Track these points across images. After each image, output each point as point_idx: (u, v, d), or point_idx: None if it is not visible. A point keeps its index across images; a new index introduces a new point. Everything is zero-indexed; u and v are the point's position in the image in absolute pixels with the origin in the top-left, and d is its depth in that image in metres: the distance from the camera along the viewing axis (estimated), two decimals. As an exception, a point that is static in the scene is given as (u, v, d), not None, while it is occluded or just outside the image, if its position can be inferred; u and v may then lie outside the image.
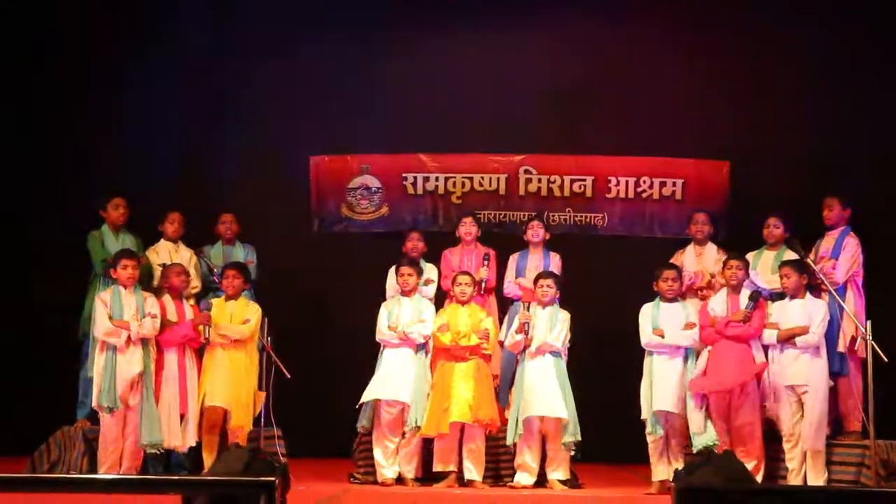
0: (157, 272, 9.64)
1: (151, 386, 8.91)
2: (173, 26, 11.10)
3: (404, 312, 9.41)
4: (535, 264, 10.01)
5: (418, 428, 9.11)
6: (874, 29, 10.81)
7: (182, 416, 9.03)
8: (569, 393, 9.05)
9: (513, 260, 10.16)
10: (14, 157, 11.00)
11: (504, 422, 9.28)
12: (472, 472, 9.08)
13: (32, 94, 11.05)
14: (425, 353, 9.37)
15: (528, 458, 9.07)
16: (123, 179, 10.43)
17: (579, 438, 9.00)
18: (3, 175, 10.94)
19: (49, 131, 11.02)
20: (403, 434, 9.21)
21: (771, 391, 8.87)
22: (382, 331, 9.38)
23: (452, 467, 9.14)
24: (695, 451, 8.86)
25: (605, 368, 10.09)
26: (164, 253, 9.87)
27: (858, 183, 10.26)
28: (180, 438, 8.99)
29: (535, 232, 10.10)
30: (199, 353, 9.27)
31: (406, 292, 9.50)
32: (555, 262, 10.01)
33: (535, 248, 10.12)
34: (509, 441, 9.07)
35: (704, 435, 8.86)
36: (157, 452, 8.92)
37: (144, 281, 9.40)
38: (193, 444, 9.06)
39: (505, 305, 10.10)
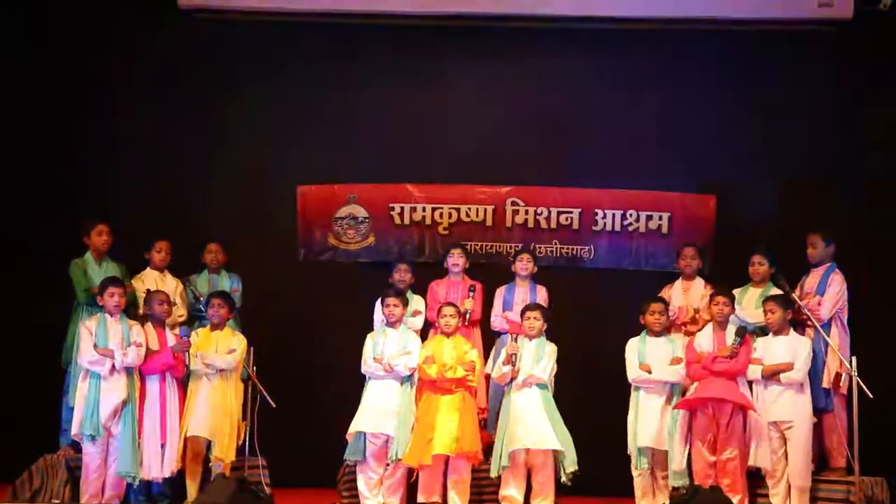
0: (143, 300, 9.62)
1: (135, 415, 8.88)
2: (160, 52, 11.08)
3: (390, 344, 9.39)
4: (522, 297, 10.02)
5: (400, 460, 9.08)
6: (862, 64, 10.88)
7: (162, 446, 8.98)
8: (560, 423, 9.03)
9: (499, 293, 10.18)
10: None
11: (486, 443, 9.26)
12: (457, 502, 9.04)
13: (17, 120, 11.00)
14: (410, 385, 9.35)
15: (513, 491, 9.04)
16: (109, 207, 10.38)
17: (576, 468, 9.00)
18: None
19: (35, 158, 10.95)
20: (387, 465, 9.17)
21: (755, 432, 8.88)
22: (368, 362, 9.35)
23: (436, 499, 9.10)
24: (671, 485, 8.89)
25: (590, 401, 10.06)
26: (151, 281, 9.83)
27: (845, 218, 10.32)
28: (159, 468, 8.94)
29: (524, 265, 10.12)
30: (182, 383, 9.23)
31: (392, 323, 9.49)
32: (541, 296, 10.03)
33: (522, 282, 10.14)
34: (493, 473, 9.04)
35: (680, 475, 8.89)
36: (135, 483, 8.87)
37: (130, 310, 9.36)
38: (168, 475, 9.00)
39: (490, 339, 10.11)
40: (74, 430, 8.86)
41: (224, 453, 9.05)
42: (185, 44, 11.03)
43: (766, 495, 8.88)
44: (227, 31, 11.14)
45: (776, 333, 8.96)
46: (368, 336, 9.50)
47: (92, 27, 11.07)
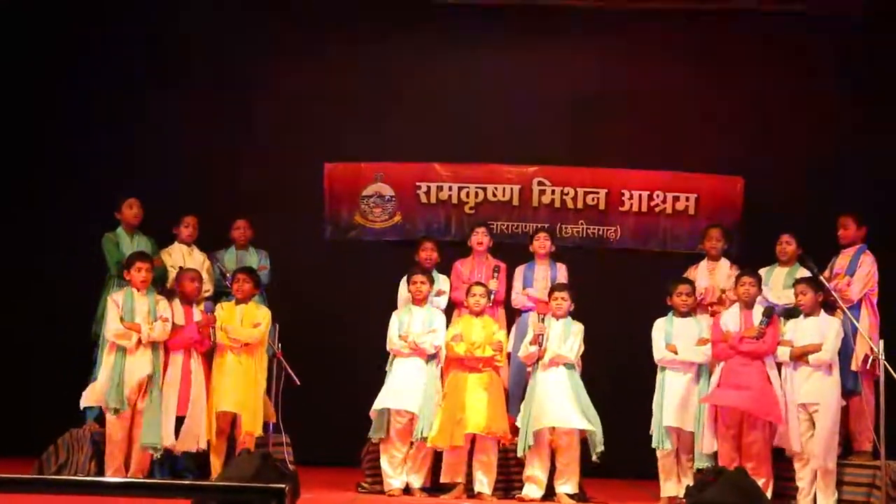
0: (171, 274, 9.63)
1: (159, 388, 8.88)
2: (189, 29, 11.08)
3: (415, 322, 9.38)
4: (542, 275, 10.00)
5: (425, 439, 9.07)
6: (890, 44, 10.79)
7: (183, 419, 8.96)
8: (588, 403, 9.00)
9: (519, 271, 10.13)
10: (30, 157, 11.01)
11: (515, 433, 9.26)
12: (483, 484, 9.03)
13: (48, 95, 11.05)
14: (436, 364, 9.34)
15: (537, 471, 9.02)
16: (139, 182, 10.41)
17: (603, 448, 8.98)
18: (20, 174, 10.96)
19: (66, 133, 11.03)
20: (412, 444, 9.18)
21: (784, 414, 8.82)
22: (393, 340, 9.35)
23: (460, 479, 9.09)
24: (695, 468, 8.85)
25: (615, 382, 10.05)
26: (178, 256, 9.87)
27: (872, 200, 10.24)
28: (187, 442, 8.95)
29: (542, 244, 10.07)
30: (207, 357, 9.23)
31: (418, 301, 9.47)
32: (562, 273, 9.99)
33: (541, 260, 10.09)
34: (520, 452, 9.02)
35: (708, 458, 8.83)
36: (157, 455, 8.88)
37: (158, 283, 9.38)
38: (194, 450, 8.99)
39: (513, 317, 10.08)
40: (96, 400, 8.87)
41: (253, 427, 9.03)
42: (210, 17, 11.01)
43: (793, 478, 8.81)
44: (255, 8, 11.14)
45: (807, 315, 8.89)
46: (394, 314, 9.48)
47: (118, 2, 11.09)
